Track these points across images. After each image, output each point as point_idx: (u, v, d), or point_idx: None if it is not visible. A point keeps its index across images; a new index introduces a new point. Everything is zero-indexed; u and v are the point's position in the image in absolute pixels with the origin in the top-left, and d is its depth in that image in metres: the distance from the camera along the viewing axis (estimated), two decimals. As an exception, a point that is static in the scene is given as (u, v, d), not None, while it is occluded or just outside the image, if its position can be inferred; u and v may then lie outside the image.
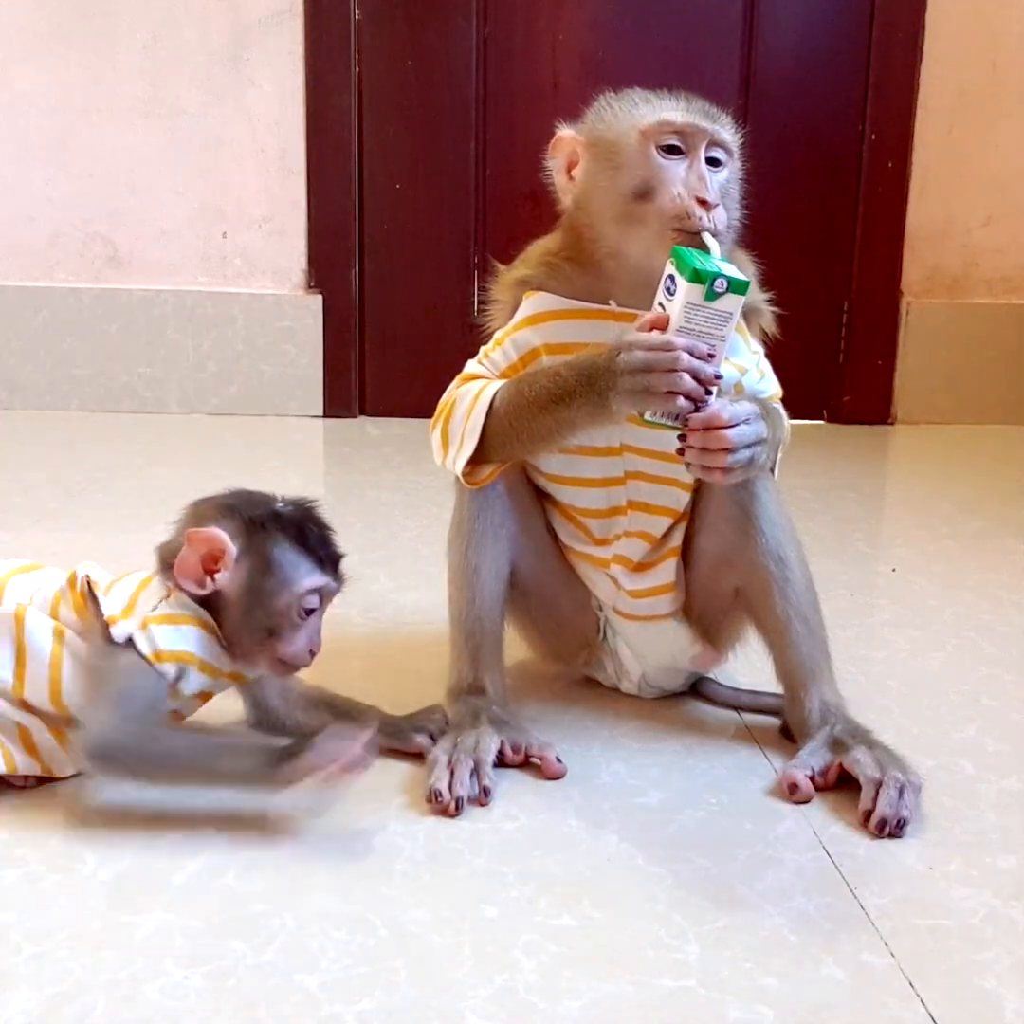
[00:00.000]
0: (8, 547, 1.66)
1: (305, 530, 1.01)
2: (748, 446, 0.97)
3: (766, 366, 1.11)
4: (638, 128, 1.02)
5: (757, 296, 1.10)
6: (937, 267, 2.73)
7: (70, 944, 0.80)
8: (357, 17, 2.57)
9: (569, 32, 2.61)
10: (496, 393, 1.04)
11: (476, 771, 1.01)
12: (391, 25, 2.59)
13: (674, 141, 1.01)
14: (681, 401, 0.94)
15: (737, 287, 0.92)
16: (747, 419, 0.97)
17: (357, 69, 2.60)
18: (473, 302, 2.66)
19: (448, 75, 2.62)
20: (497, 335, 1.11)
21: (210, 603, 1.00)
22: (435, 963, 0.79)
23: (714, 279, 0.92)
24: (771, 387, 1.11)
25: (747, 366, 1.07)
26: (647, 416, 0.97)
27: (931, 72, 2.62)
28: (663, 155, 1.01)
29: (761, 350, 1.11)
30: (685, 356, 0.93)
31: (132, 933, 0.81)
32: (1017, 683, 1.29)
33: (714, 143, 1.03)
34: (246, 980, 0.77)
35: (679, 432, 0.98)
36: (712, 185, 1.01)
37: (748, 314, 1.10)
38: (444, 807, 0.97)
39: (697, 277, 0.92)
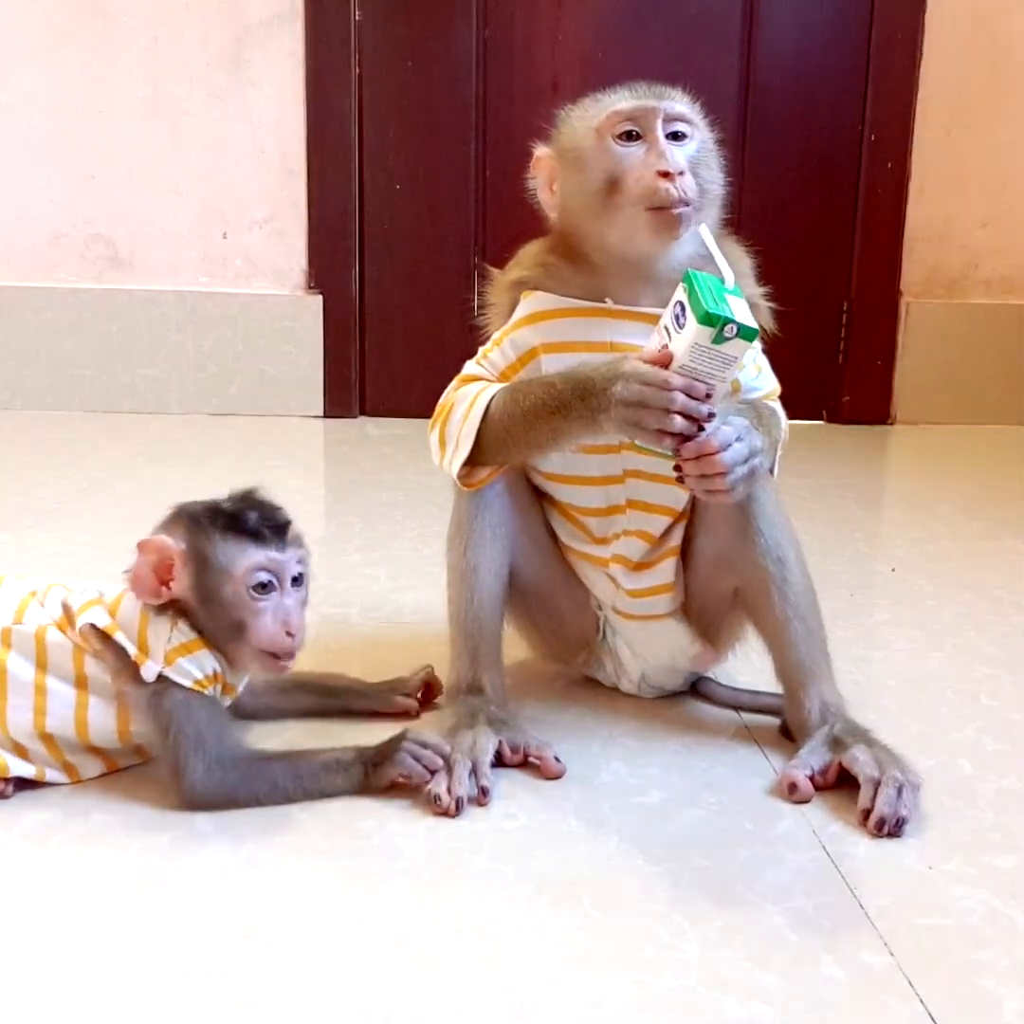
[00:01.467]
0: (8, 547, 1.66)
1: (240, 515, 0.99)
2: (745, 461, 0.97)
3: (763, 362, 1.12)
4: (592, 127, 1.04)
5: (755, 291, 1.10)
6: (936, 267, 2.73)
7: (70, 944, 0.80)
8: (357, 17, 2.57)
9: (569, 32, 2.62)
10: (492, 398, 1.05)
11: (474, 771, 1.01)
12: (391, 25, 2.60)
13: (628, 127, 1.03)
14: (669, 440, 0.94)
15: (746, 334, 0.92)
16: (738, 437, 0.97)
17: (357, 69, 2.60)
18: (473, 302, 2.66)
19: (448, 75, 2.62)
20: (495, 336, 1.11)
21: (183, 614, 1.00)
22: (435, 963, 0.79)
23: (725, 325, 0.91)
24: (768, 383, 1.11)
25: (744, 362, 1.07)
26: (637, 442, 0.98)
27: (931, 72, 2.62)
28: (621, 144, 1.03)
29: (759, 346, 1.11)
30: (680, 397, 0.93)
31: (132, 933, 0.82)
32: (1017, 683, 1.29)
33: (670, 118, 1.03)
34: (246, 980, 0.77)
35: (670, 457, 0.98)
36: (672, 157, 1.01)
37: None
38: (444, 809, 0.97)
39: (708, 320, 0.91)
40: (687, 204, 1.00)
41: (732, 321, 0.91)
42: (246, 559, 0.97)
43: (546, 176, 1.10)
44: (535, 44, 2.62)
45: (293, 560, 1.00)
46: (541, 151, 1.10)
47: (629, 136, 1.03)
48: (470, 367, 1.12)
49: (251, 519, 0.99)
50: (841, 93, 2.66)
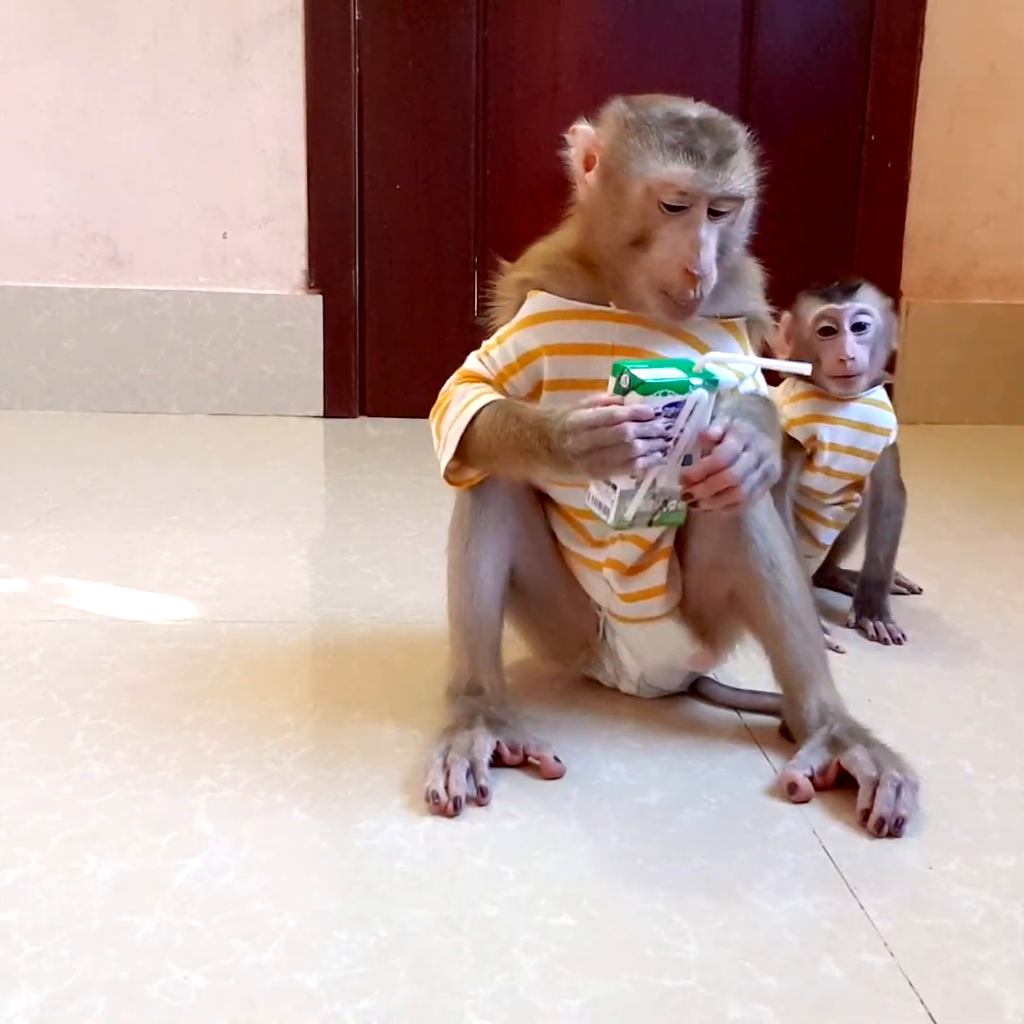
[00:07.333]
0: (8, 547, 1.66)
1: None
2: (756, 467, 0.96)
3: (762, 380, 1.12)
4: (645, 181, 1.00)
5: (759, 307, 1.10)
6: (937, 267, 2.73)
7: (70, 944, 0.80)
8: (357, 17, 2.57)
9: (569, 32, 2.61)
10: (478, 412, 1.04)
11: (472, 771, 1.01)
12: (391, 25, 2.60)
13: (677, 201, 1.00)
14: (641, 461, 0.93)
15: (635, 384, 0.93)
16: (745, 446, 0.95)
17: (357, 69, 2.60)
18: (473, 302, 2.66)
19: (448, 75, 2.62)
20: (499, 332, 1.11)
21: None
22: (435, 963, 0.79)
23: (622, 375, 0.94)
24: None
25: (745, 374, 1.08)
26: (615, 484, 0.96)
27: (930, 72, 2.62)
28: (665, 210, 1.00)
29: (759, 362, 1.11)
30: (630, 426, 0.92)
31: (132, 933, 0.82)
32: (1017, 683, 1.29)
33: (718, 199, 1.01)
34: (246, 980, 0.77)
35: (677, 511, 0.99)
36: (705, 252, 0.99)
37: (749, 323, 1.10)
38: (442, 807, 0.97)
39: (614, 369, 0.95)
40: (697, 301, 1.00)
41: (627, 371, 0.93)
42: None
43: (582, 158, 1.06)
44: (535, 44, 2.62)
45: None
46: (585, 131, 1.05)
47: (674, 207, 1.00)
48: (471, 361, 1.12)
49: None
50: (841, 93, 2.66)
